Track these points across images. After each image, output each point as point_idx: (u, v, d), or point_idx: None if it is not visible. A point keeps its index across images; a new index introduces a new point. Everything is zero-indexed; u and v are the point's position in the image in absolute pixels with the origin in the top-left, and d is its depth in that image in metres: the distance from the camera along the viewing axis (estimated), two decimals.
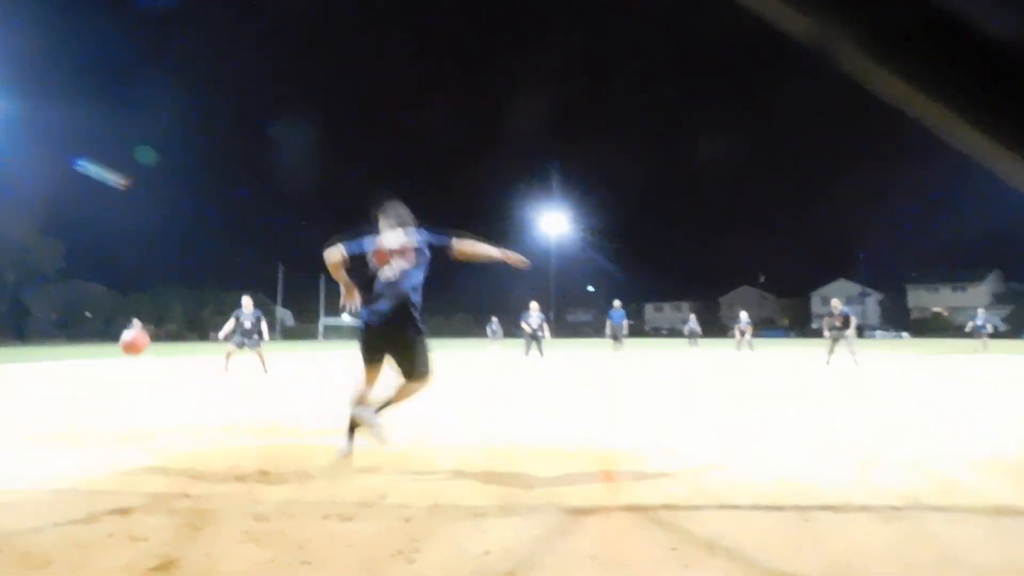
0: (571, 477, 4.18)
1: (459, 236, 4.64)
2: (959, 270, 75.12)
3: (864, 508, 3.42)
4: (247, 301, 14.45)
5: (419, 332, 4.55)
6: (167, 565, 2.63)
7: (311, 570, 2.60)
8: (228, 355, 14.00)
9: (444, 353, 25.19)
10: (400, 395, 4.62)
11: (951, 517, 3.29)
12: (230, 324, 14.27)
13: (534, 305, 17.08)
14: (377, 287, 4.49)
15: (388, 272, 4.49)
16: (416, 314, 4.50)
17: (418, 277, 4.53)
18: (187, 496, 3.71)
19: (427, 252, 4.58)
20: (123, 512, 3.38)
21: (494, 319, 30.73)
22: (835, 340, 15.79)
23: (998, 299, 70.44)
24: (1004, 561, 2.67)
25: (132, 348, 11.64)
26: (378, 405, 4.61)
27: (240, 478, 4.15)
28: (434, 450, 5.08)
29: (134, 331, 12.45)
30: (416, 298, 4.51)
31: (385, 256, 4.53)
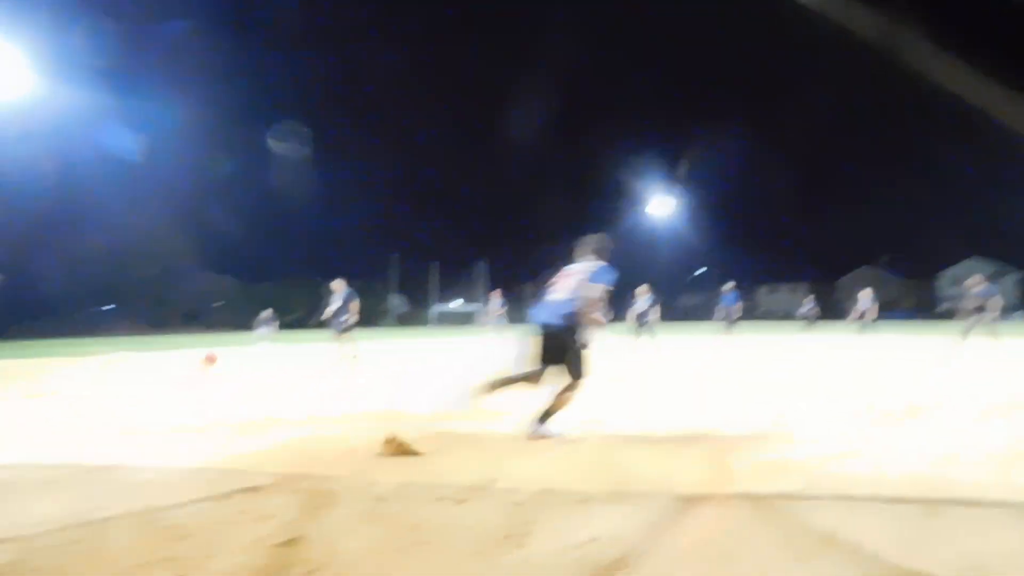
0: (682, 465, 4.12)
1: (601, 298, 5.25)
2: None
3: (1000, 505, 3.19)
4: (338, 284, 14.17)
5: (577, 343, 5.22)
6: (292, 542, 2.80)
7: (425, 550, 2.69)
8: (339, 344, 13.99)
9: None
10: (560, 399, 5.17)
11: None
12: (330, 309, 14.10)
13: (643, 289, 16.75)
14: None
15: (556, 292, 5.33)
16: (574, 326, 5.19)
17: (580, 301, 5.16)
18: (309, 477, 3.92)
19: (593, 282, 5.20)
20: (252, 491, 3.62)
21: None
22: (972, 323, 14.62)
23: None
24: None
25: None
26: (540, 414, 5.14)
27: (358, 461, 4.35)
28: (540, 438, 5.11)
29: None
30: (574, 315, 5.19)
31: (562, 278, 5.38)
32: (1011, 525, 2.89)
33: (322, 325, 14.55)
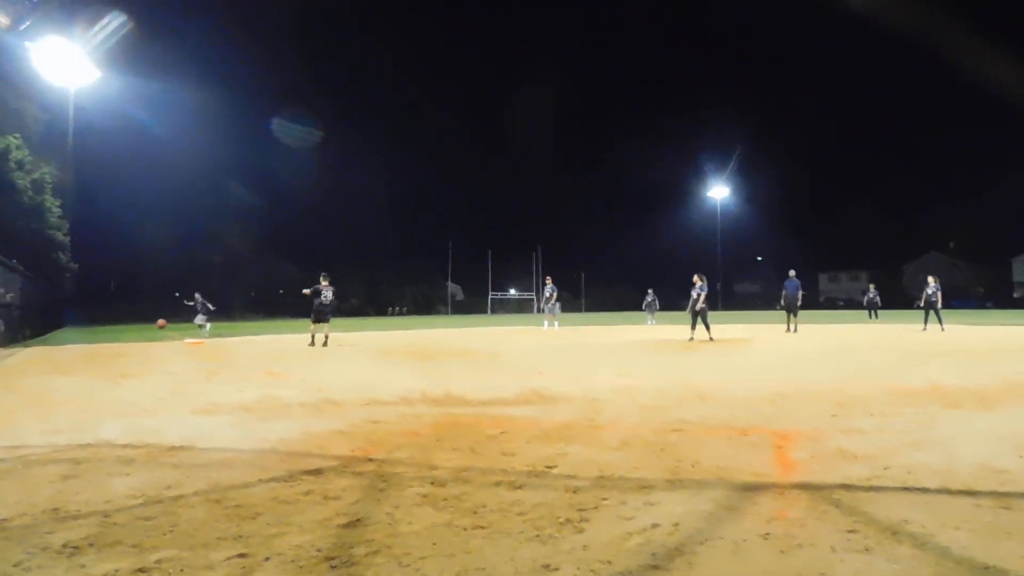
0: (742, 453, 4.06)
1: None
2: None
3: None
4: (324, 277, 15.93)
5: None
6: (355, 523, 2.87)
7: (484, 534, 2.72)
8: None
9: (601, 328, 25.11)
10: None
11: None
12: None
13: (697, 277, 16.54)
14: None
15: None
16: None
17: None
18: (371, 460, 4.01)
19: None
20: (316, 473, 3.72)
21: (650, 291, 30.05)
22: None
23: None
24: None
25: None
26: None
27: (418, 445, 4.42)
28: (600, 425, 5.11)
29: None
30: None
31: None
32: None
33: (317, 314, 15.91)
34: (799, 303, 19.99)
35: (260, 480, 3.60)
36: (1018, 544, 2.48)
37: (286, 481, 3.57)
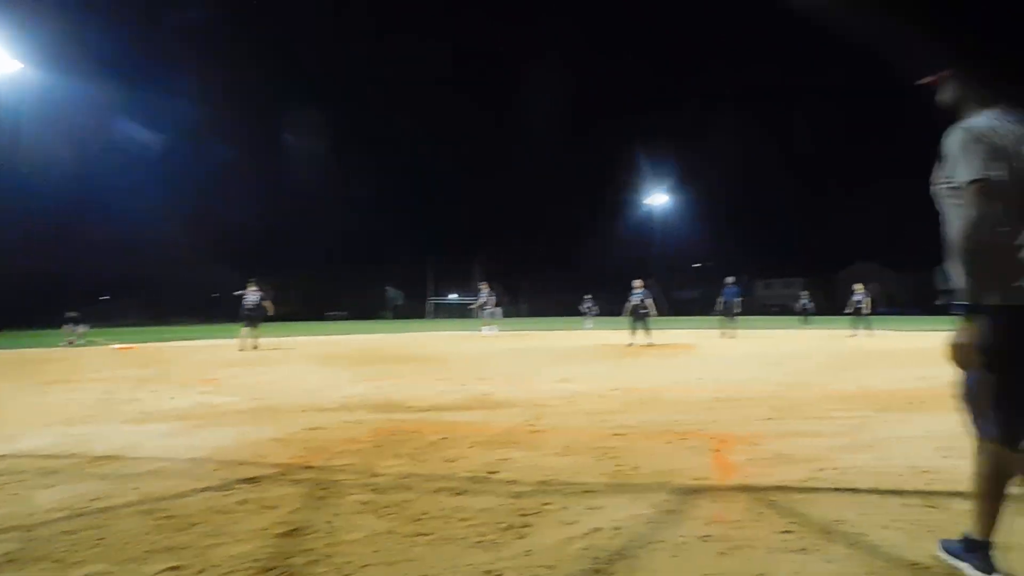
0: (682, 457, 4.13)
1: None
2: None
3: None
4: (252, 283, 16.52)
5: None
6: (294, 532, 2.81)
7: (427, 541, 2.70)
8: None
9: (540, 334, 25.25)
10: None
11: None
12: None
13: (637, 283, 16.80)
14: None
15: None
16: None
17: None
18: (310, 468, 3.93)
19: None
20: (253, 481, 3.63)
21: (587, 297, 30.39)
22: None
23: None
24: None
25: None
26: None
27: (358, 452, 4.35)
28: (542, 430, 5.13)
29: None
30: None
31: None
32: (1011, 518, 2.89)
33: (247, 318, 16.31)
34: (737, 309, 20.51)
35: (194, 490, 3.49)
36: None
37: (221, 490, 3.47)
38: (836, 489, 3.35)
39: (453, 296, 75.72)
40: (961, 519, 2.52)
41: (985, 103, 2.27)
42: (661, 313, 18.55)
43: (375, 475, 3.75)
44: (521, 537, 2.72)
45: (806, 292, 34.23)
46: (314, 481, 3.63)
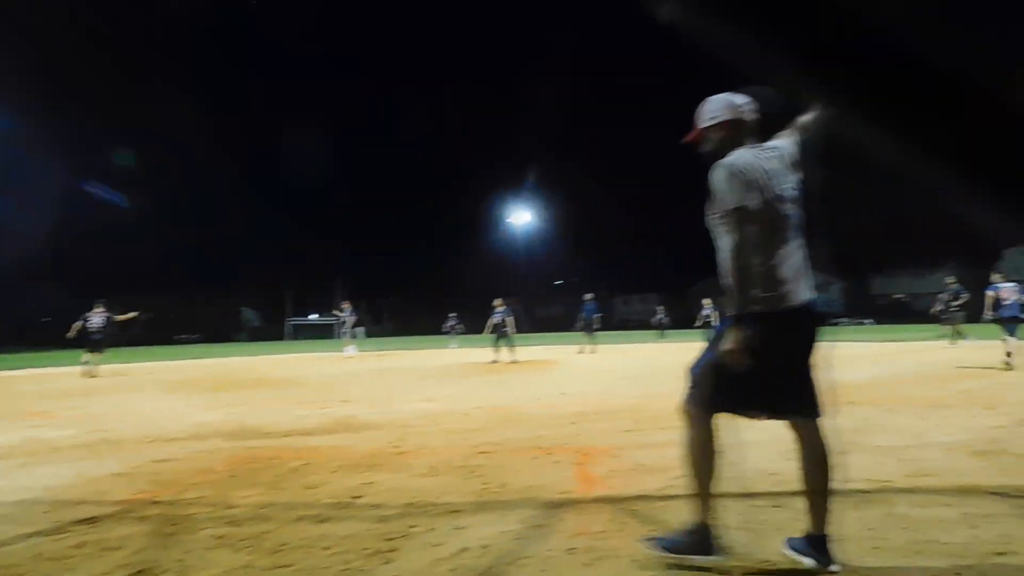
0: (547, 472, 4.20)
1: None
2: (919, 258, 76.15)
3: (836, 493, 3.48)
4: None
5: None
6: (140, 574, 2.60)
7: (287, 573, 2.58)
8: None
9: (405, 353, 25.02)
10: None
11: (921, 500, 3.38)
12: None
13: (497, 301, 17.09)
14: None
15: None
16: None
17: None
18: (156, 503, 3.67)
19: None
20: (91, 522, 3.33)
21: (452, 315, 30.38)
22: None
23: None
24: (971, 540, 2.74)
25: None
26: None
27: (211, 483, 4.11)
28: (407, 451, 5.06)
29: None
30: None
31: None
32: (844, 513, 3.16)
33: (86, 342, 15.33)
34: (596, 325, 21.21)
35: (20, 536, 3.15)
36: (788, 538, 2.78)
37: (53, 534, 3.16)
38: (691, 495, 3.51)
39: (313, 316, 73.56)
40: (802, 517, 2.71)
41: (738, 143, 2.64)
42: (522, 330, 18.85)
43: (230, 507, 3.55)
44: (387, 562, 2.67)
45: (662, 307, 36.06)
46: (162, 517, 3.39)
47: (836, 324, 58.62)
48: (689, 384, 2.73)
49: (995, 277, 12.17)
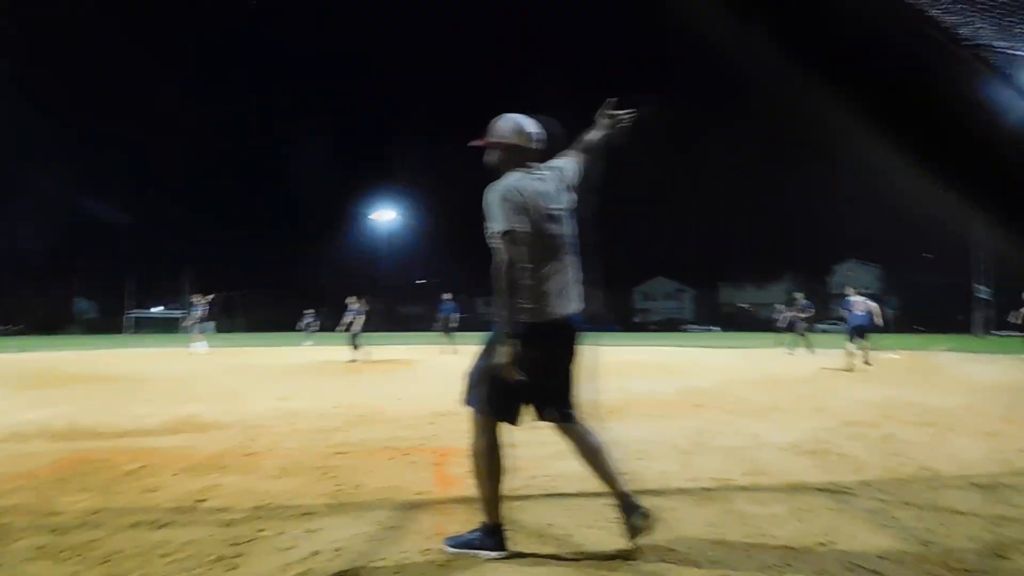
0: (404, 473, 4.16)
1: None
2: (761, 270, 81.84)
3: (681, 492, 3.69)
4: None
5: None
6: None
7: None
8: None
9: (258, 350, 24.07)
10: None
11: (756, 497, 3.62)
12: None
13: (351, 299, 16.92)
14: None
15: None
16: None
17: None
18: None
19: None
20: None
21: (308, 312, 29.49)
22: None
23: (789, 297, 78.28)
24: (800, 532, 2.99)
25: None
26: None
27: (33, 488, 3.74)
28: (257, 452, 4.85)
29: None
30: None
31: None
32: (689, 510, 3.35)
33: None
34: (453, 324, 21.26)
35: None
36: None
37: None
38: (547, 495, 3.61)
39: (158, 309, 69.03)
40: (654, 511, 2.83)
41: (516, 166, 2.82)
42: (380, 329, 18.67)
43: (54, 513, 3.24)
44: (233, 568, 2.53)
45: None
46: None
47: (685, 330, 62.17)
48: (467, 387, 2.97)
49: (848, 290, 13.81)
